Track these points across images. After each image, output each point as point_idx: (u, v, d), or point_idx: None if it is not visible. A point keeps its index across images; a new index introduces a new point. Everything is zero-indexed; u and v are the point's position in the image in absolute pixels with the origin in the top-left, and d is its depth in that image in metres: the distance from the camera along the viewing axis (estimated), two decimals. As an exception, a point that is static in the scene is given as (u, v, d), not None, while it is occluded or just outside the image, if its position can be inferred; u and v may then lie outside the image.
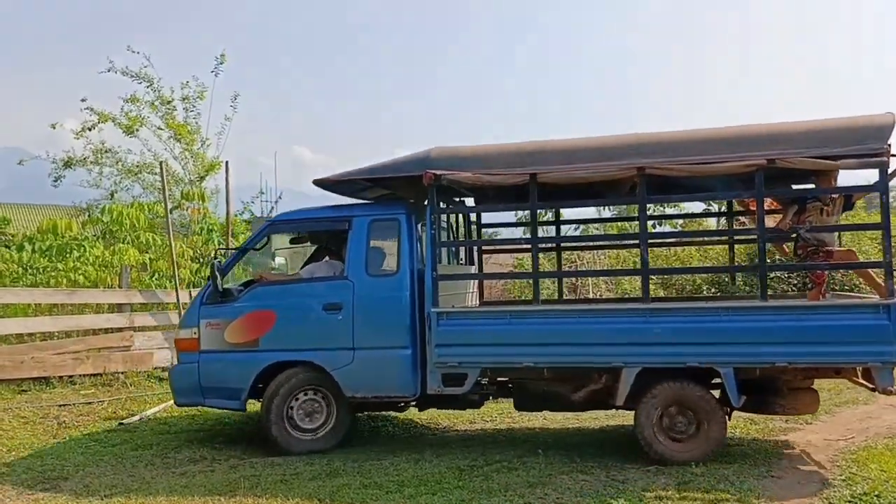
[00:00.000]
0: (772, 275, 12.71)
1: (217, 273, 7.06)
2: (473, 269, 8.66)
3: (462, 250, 8.55)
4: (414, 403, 7.33)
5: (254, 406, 7.41)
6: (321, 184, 7.36)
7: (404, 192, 7.45)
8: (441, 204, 7.14)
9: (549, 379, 6.70)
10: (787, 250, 7.43)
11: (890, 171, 6.07)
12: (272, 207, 14.65)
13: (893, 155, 6.06)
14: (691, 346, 6.13)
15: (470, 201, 8.16)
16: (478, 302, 8.43)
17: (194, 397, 7.25)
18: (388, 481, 5.87)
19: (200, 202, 15.20)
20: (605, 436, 7.25)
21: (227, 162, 14.11)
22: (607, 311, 6.95)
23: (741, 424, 7.69)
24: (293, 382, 6.97)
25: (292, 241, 8.64)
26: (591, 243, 11.56)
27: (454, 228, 8.32)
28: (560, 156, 6.59)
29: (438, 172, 6.59)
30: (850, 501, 5.31)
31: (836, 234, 7.08)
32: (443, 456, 6.62)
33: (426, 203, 6.77)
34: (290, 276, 8.62)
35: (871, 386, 6.07)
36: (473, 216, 8.70)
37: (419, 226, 7.08)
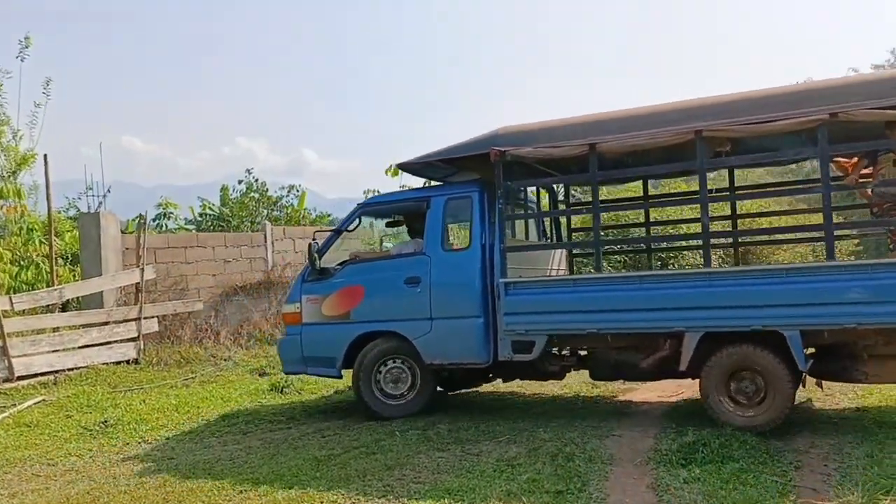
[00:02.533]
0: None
1: (314, 253, 7.76)
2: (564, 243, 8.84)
3: (549, 226, 8.81)
4: (496, 374, 7.74)
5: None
6: (404, 166, 7.92)
7: (486, 172, 7.71)
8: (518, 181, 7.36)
9: (620, 347, 6.81)
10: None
11: None
12: (100, 202, 13.44)
13: None
14: (753, 308, 5.98)
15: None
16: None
17: (299, 366, 8.03)
18: (242, 479, 5.66)
19: (17, 199, 13.81)
20: (458, 412, 7.24)
21: (45, 155, 12.36)
22: (668, 276, 7.03)
23: (585, 388, 8.45)
24: (379, 351, 7.56)
25: (388, 224, 9.30)
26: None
27: (544, 206, 8.70)
28: (618, 124, 6.65)
29: (503, 149, 6.86)
30: (678, 451, 5.61)
31: None
32: (299, 448, 6.55)
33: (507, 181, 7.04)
34: (378, 254, 9.33)
35: None
36: (562, 195, 8.88)
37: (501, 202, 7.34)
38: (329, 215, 20.30)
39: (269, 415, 8.16)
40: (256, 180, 17.38)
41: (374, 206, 8.50)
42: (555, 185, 9.41)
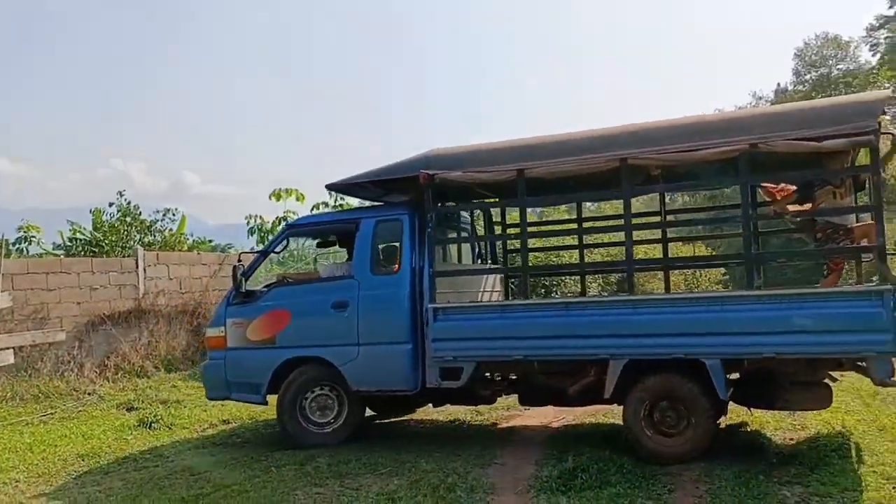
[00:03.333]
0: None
1: (239, 276, 7.54)
2: (494, 267, 8.80)
3: (484, 248, 8.83)
4: (425, 400, 7.66)
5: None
6: (333, 187, 7.83)
7: (416, 194, 7.61)
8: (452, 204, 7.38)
9: (549, 373, 6.78)
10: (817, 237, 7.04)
11: (885, 150, 5.83)
12: None
13: (884, 133, 5.81)
14: (676, 336, 6.03)
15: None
16: (501, 299, 8.56)
17: (222, 392, 7.78)
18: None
19: None
20: (341, 446, 7.13)
21: None
22: (594, 303, 7.04)
23: (469, 415, 8.48)
24: (305, 378, 7.36)
25: (319, 245, 9.11)
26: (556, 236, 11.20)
27: (478, 229, 8.68)
28: (547, 151, 6.68)
29: (432, 172, 6.80)
30: (558, 478, 5.69)
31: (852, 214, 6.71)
32: (165, 489, 6.24)
33: (439, 204, 7.10)
34: (305, 276, 9.11)
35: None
36: (497, 217, 8.90)
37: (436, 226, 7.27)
38: (210, 241, 19.53)
39: (134, 453, 7.68)
40: (129, 203, 16.50)
41: (302, 228, 8.46)
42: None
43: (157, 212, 17.79)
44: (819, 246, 6.67)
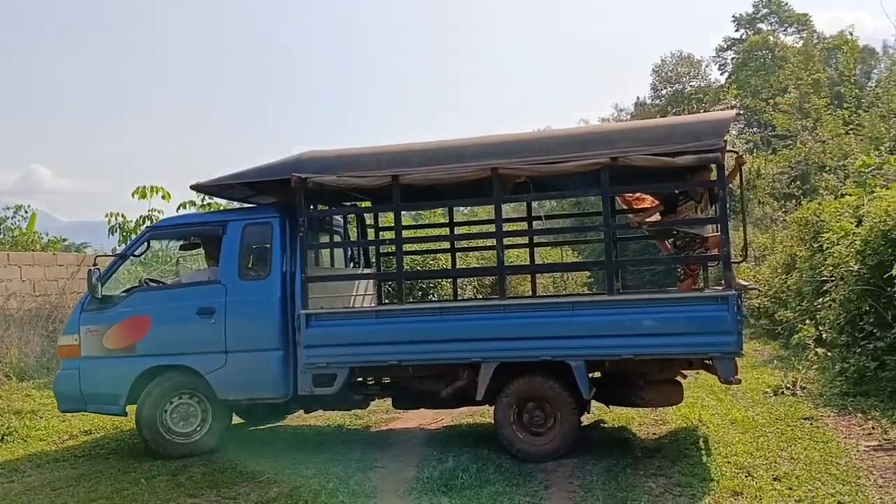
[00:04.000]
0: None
1: (94, 280, 7.11)
2: (369, 272, 8.77)
3: (356, 252, 8.75)
4: (297, 406, 7.49)
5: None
6: (198, 188, 7.54)
7: (287, 197, 7.43)
8: (320, 208, 7.31)
9: (422, 377, 6.85)
10: (668, 246, 7.59)
11: (730, 167, 6.39)
12: None
13: (730, 151, 6.39)
14: (543, 340, 6.29)
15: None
16: (374, 304, 8.54)
17: (77, 403, 7.33)
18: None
19: None
20: (217, 454, 7.00)
21: None
22: (467, 308, 7.17)
23: (349, 419, 8.43)
24: (165, 387, 7.04)
25: (182, 248, 8.81)
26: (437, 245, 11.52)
27: (352, 233, 8.59)
28: (421, 158, 6.76)
29: (304, 175, 6.70)
30: (439, 479, 5.81)
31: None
32: (35, 496, 6.02)
33: (312, 207, 6.97)
34: (169, 282, 8.68)
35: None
36: (370, 220, 8.86)
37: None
38: (64, 240, 18.32)
39: (-15, 469, 7.07)
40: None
41: (165, 230, 8.06)
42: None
43: (8, 208, 16.55)
44: (679, 253, 7.18)
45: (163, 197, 15.64)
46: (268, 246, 7.12)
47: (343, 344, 6.70)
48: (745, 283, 7.01)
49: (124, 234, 16.01)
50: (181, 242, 8.58)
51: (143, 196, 15.60)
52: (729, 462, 5.97)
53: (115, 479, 6.38)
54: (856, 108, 17.55)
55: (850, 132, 16.63)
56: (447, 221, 9.24)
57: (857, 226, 9.06)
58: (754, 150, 23.27)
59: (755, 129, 30.60)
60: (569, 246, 19.48)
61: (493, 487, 5.59)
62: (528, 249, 8.42)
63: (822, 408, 7.73)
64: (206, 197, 14.29)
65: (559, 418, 6.33)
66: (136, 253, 7.75)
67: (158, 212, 15.88)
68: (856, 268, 8.47)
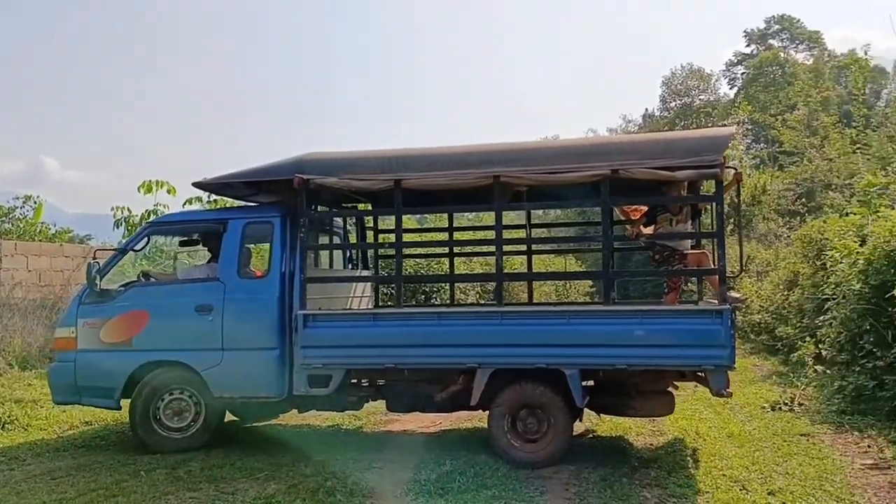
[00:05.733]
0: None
1: (93, 273, 7.12)
2: (367, 274, 8.77)
3: (355, 253, 8.74)
4: (291, 406, 7.46)
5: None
6: (200, 186, 7.55)
7: (288, 197, 7.45)
8: (319, 209, 7.31)
9: (418, 380, 6.86)
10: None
11: (726, 182, 6.42)
12: None
13: (728, 167, 6.37)
14: (540, 347, 6.31)
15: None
16: (372, 305, 8.56)
17: (71, 396, 7.34)
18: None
19: None
20: (213, 447, 7.03)
21: None
22: (465, 314, 7.25)
23: (347, 419, 8.45)
24: (159, 382, 7.06)
25: (182, 244, 8.78)
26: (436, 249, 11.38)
27: (351, 234, 8.59)
28: (423, 163, 6.79)
29: (307, 177, 6.74)
30: (437, 481, 5.84)
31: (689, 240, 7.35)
32: (23, 493, 5.87)
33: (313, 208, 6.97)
34: (167, 277, 8.75)
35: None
36: (369, 222, 8.86)
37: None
38: (70, 231, 18.41)
39: (-14, 456, 7.07)
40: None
41: (165, 226, 8.12)
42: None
43: (17, 198, 16.65)
44: (657, 267, 7.21)
45: (168, 192, 15.68)
46: (268, 245, 7.18)
47: (340, 345, 6.72)
48: (737, 296, 7.05)
49: (129, 227, 16.08)
50: (181, 239, 8.58)
51: (149, 191, 15.63)
52: (724, 475, 5.97)
53: (114, 471, 6.40)
54: (864, 128, 17.57)
55: (858, 151, 16.63)
56: (444, 227, 9.30)
57: (860, 245, 9.08)
58: (760, 166, 23.32)
59: (763, 144, 30.65)
60: (572, 255, 19.58)
61: (489, 492, 5.60)
62: (527, 256, 8.44)
63: (819, 424, 7.73)
64: (213, 194, 14.34)
65: (552, 425, 6.35)
66: (137, 248, 7.75)
67: (164, 206, 15.94)
68: (858, 287, 8.46)
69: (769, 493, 5.49)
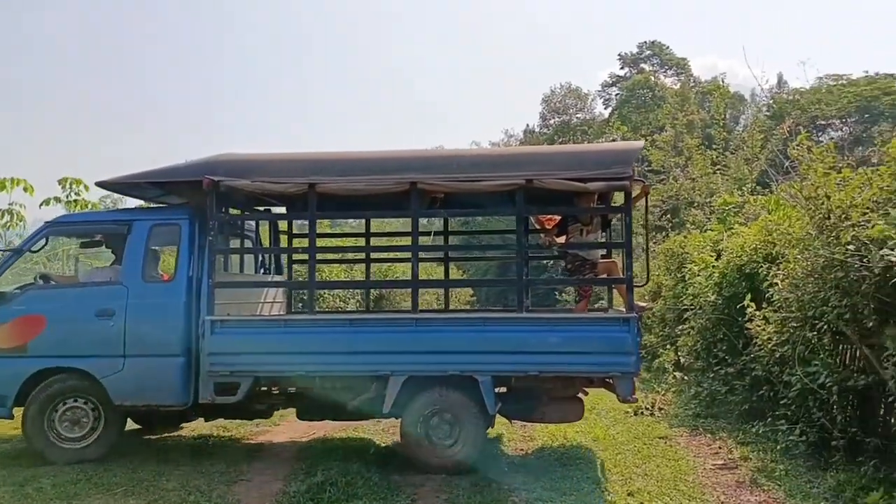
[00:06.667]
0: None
1: None
2: (280, 279, 8.62)
3: (267, 258, 8.65)
4: (197, 414, 7.33)
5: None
6: (105, 185, 7.29)
7: (198, 199, 7.26)
8: (231, 211, 7.23)
9: (330, 388, 6.80)
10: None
11: (635, 194, 6.68)
12: None
13: (637, 180, 6.71)
14: (453, 354, 6.42)
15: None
16: (284, 312, 8.41)
17: None
18: None
19: None
20: (69, 465, 6.67)
21: None
22: (377, 321, 7.24)
23: (216, 429, 8.33)
24: (55, 389, 6.78)
25: (83, 245, 8.44)
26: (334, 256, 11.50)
27: (262, 238, 8.51)
28: (340, 167, 6.79)
29: (217, 178, 6.57)
30: (307, 492, 5.78)
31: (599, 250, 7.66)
32: None
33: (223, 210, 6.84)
34: (67, 280, 8.31)
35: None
36: (283, 226, 8.72)
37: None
38: None
39: None
40: None
41: (65, 227, 7.77)
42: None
43: None
44: (569, 275, 7.51)
45: (25, 189, 14.65)
46: (174, 248, 6.99)
47: (249, 352, 6.62)
48: (644, 305, 7.41)
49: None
50: (82, 240, 8.22)
51: (3, 188, 14.55)
52: (588, 478, 6.25)
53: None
54: (723, 150, 18.88)
55: (718, 172, 17.83)
56: (360, 233, 9.23)
57: (716, 259, 9.71)
58: (631, 183, 24.37)
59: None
60: (454, 265, 19.78)
61: (361, 501, 5.60)
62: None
63: (676, 428, 8.23)
64: (74, 193, 13.48)
65: (465, 431, 6.44)
66: (34, 249, 7.33)
67: (21, 206, 14.86)
68: (713, 298, 8.98)
69: (629, 494, 5.80)
